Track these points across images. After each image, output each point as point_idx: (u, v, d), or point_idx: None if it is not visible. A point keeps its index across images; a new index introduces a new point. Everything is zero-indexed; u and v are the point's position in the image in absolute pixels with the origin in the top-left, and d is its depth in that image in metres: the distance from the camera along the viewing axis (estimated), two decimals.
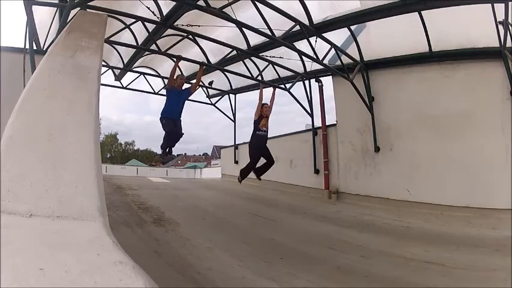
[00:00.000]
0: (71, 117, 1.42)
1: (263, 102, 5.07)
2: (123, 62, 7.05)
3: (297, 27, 4.73)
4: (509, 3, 3.71)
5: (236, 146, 9.62)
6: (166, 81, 8.60)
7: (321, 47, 5.13)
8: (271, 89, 5.49)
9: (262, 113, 4.97)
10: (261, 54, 5.94)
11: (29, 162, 1.24)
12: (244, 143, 9.52)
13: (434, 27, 4.63)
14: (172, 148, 4.80)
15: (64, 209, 1.15)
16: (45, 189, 1.18)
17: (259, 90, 5.20)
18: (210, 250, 3.25)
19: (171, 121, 4.67)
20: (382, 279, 2.56)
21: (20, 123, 1.35)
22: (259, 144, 4.97)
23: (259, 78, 6.53)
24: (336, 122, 6.61)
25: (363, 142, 5.93)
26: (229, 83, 8.54)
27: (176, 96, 4.69)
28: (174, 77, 4.66)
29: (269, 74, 6.96)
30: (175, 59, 4.87)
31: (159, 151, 4.95)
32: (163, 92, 8.91)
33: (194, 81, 5.03)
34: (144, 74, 7.95)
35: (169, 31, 5.29)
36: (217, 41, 5.44)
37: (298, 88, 7.25)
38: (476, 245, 3.20)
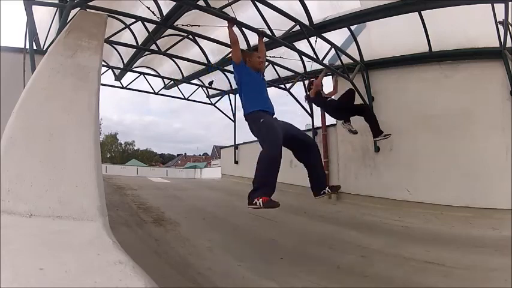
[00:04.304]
0: (71, 117, 1.41)
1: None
2: (123, 62, 7.05)
3: (297, 27, 4.73)
4: (509, 3, 3.71)
5: (236, 146, 9.61)
6: (164, 81, 8.63)
7: (321, 47, 5.13)
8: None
9: (316, 89, 4.85)
10: None
11: (29, 162, 1.24)
12: (244, 143, 9.52)
13: (434, 27, 4.63)
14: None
15: (64, 209, 1.15)
16: (45, 189, 1.18)
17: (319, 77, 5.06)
18: (210, 250, 3.25)
19: (271, 117, 2.95)
20: (382, 279, 2.55)
21: (20, 123, 1.35)
22: (333, 107, 5.00)
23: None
24: (336, 122, 6.61)
25: (363, 142, 5.92)
26: (229, 83, 8.54)
27: (256, 77, 3.06)
28: (243, 54, 3.16)
29: (269, 74, 6.96)
30: (227, 24, 3.27)
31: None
32: (164, 92, 8.94)
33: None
34: (144, 74, 7.95)
35: (169, 31, 5.29)
36: (217, 41, 5.44)
37: (298, 88, 7.25)
38: (476, 245, 3.20)
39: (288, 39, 4.82)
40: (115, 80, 7.93)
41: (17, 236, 0.98)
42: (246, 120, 3.03)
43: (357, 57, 5.58)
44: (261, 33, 3.76)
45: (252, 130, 2.98)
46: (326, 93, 5.07)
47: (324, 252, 3.28)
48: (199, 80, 8.56)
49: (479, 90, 4.56)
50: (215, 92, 9.19)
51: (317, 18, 4.94)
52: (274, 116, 3.06)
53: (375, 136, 4.87)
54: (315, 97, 4.88)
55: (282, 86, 7.04)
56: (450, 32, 4.62)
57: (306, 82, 5.08)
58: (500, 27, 4.04)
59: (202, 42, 5.76)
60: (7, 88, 4.26)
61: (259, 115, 2.88)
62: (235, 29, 3.53)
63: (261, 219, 4.81)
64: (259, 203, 2.53)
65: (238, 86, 3.10)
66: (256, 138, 3.05)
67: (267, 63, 6.15)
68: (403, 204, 5.06)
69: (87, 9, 3.60)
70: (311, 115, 7.15)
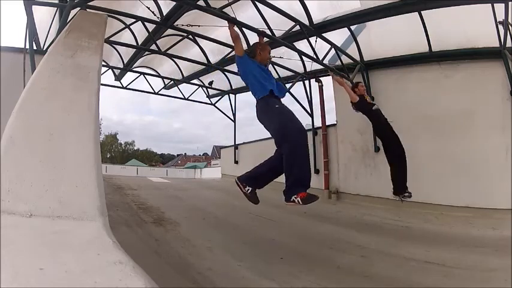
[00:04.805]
0: (71, 117, 1.42)
1: (356, 81, 4.35)
2: (123, 62, 7.05)
3: (297, 27, 4.73)
4: (509, 3, 3.71)
5: (236, 146, 9.61)
6: (164, 81, 8.63)
7: (321, 47, 5.13)
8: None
9: (360, 92, 4.15)
10: None
11: (29, 162, 1.24)
12: (244, 143, 9.52)
13: (434, 27, 4.63)
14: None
15: (64, 209, 1.15)
16: (45, 189, 1.18)
17: (332, 78, 4.54)
18: (210, 250, 3.24)
19: (280, 102, 2.75)
20: (382, 279, 2.55)
21: (20, 123, 1.35)
22: (383, 123, 4.07)
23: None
24: (336, 122, 6.61)
25: (363, 142, 5.93)
26: (229, 83, 8.54)
27: (263, 68, 2.92)
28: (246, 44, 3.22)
29: None
30: (228, 25, 3.19)
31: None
32: (164, 92, 8.94)
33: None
34: (144, 74, 7.96)
35: (169, 31, 5.29)
36: (217, 41, 5.44)
37: (298, 88, 7.25)
38: (476, 245, 3.20)
39: (288, 39, 4.83)
40: (115, 80, 7.93)
41: (17, 236, 0.98)
42: (257, 105, 2.76)
43: (357, 57, 5.58)
44: (261, 33, 3.75)
45: (262, 117, 2.70)
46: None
47: (324, 252, 3.28)
48: (199, 80, 8.57)
49: (479, 90, 4.56)
50: (215, 92, 9.19)
51: (317, 18, 4.94)
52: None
53: (396, 190, 3.96)
54: (359, 102, 4.12)
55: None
56: (450, 32, 4.62)
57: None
58: (500, 27, 4.04)
59: (202, 42, 5.76)
60: (7, 88, 4.26)
61: (270, 102, 2.64)
62: (236, 28, 3.53)
63: (261, 219, 4.80)
64: (298, 201, 2.35)
65: (245, 77, 2.93)
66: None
67: None
68: (403, 204, 5.05)
69: (87, 9, 3.60)
70: (311, 115, 7.15)
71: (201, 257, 3.00)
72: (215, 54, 6.42)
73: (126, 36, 5.41)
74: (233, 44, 3.00)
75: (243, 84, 8.29)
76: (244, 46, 5.43)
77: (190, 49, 6.16)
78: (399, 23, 4.70)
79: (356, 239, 3.67)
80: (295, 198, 2.35)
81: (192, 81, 8.51)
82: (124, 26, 5.10)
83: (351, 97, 4.15)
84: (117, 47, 6.28)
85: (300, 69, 6.55)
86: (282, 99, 2.84)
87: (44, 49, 4.80)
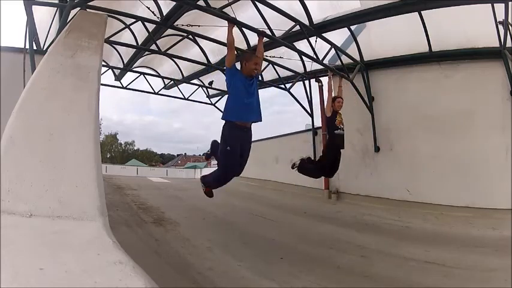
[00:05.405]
0: (71, 117, 1.42)
1: (335, 95, 4.48)
2: (123, 62, 7.05)
3: (297, 27, 4.72)
4: (509, 3, 3.71)
5: None
6: (164, 81, 8.63)
7: (321, 47, 5.13)
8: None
9: (335, 108, 4.35)
10: None
11: (29, 162, 1.24)
12: None
13: (434, 27, 4.63)
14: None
15: (64, 209, 1.15)
16: (45, 189, 1.18)
17: (327, 80, 4.72)
18: (210, 250, 3.25)
19: (240, 133, 2.95)
20: (382, 279, 2.56)
21: (20, 123, 1.35)
22: (337, 145, 4.50)
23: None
24: None
25: (363, 142, 5.92)
26: None
27: (246, 84, 2.97)
28: (240, 55, 3.37)
29: (269, 74, 6.95)
30: (227, 25, 3.20)
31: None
32: (164, 92, 8.93)
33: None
34: (144, 74, 7.95)
35: (169, 31, 5.28)
36: (217, 41, 5.43)
37: (298, 88, 7.24)
38: (476, 245, 3.20)
39: (288, 39, 4.82)
40: (115, 80, 7.92)
41: (17, 236, 0.98)
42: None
43: (357, 57, 5.58)
44: (261, 34, 3.75)
45: (221, 140, 3.05)
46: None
47: (324, 252, 3.28)
48: (199, 80, 8.56)
49: (479, 90, 4.56)
50: (215, 92, 9.18)
51: (317, 18, 4.93)
52: (253, 124, 3.09)
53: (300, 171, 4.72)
54: (331, 116, 4.41)
55: (282, 86, 7.04)
56: (450, 32, 4.61)
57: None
58: (500, 27, 4.04)
59: (202, 42, 5.75)
60: (7, 88, 4.26)
61: (230, 133, 2.94)
62: (235, 29, 3.54)
63: (261, 219, 4.81)
64: (204, 189, 3.40)
65: (228, 89, 3.14)
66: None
67: (266, 63, 6.16)
68: (403, 204, 5.06)
69: (87, 9, 3.59)
70: (311, 115, 7.14)
71: (201, 257, 3.00)
72: (215, 54, 6.41)
73: (126, 36, 5.40)
74: (230, 47, 3.10)
75: None
76: (244, 46, 5.47)
77: (190, 49, 6.15)
78: (399, 23, 4.69)
79: (356, 239, 3.67)
80: (203, 187, 3.40)
81: (192, 81, 8.50)
82: (124, 26, 5.09)
83: (326, 110, 4.41)
84: (117, 47, 6.27)
85: (300, 69, 6.54)
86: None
87: (44, 49, 4.80)
